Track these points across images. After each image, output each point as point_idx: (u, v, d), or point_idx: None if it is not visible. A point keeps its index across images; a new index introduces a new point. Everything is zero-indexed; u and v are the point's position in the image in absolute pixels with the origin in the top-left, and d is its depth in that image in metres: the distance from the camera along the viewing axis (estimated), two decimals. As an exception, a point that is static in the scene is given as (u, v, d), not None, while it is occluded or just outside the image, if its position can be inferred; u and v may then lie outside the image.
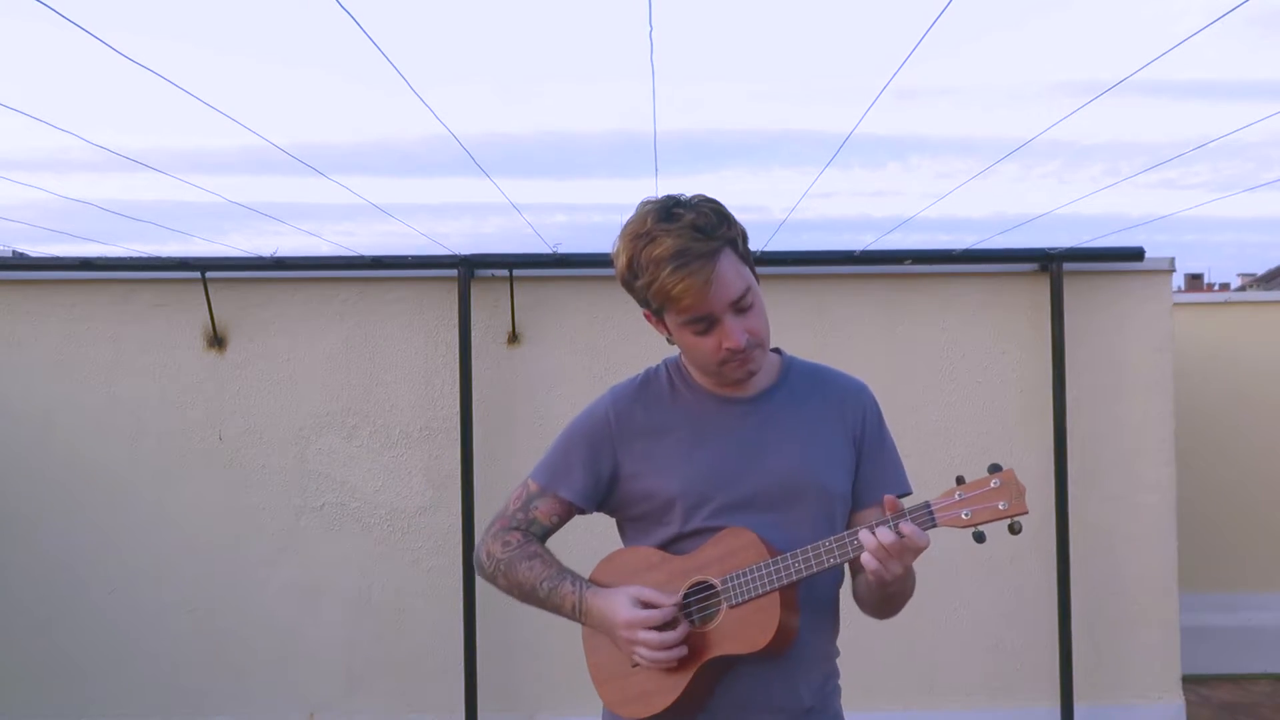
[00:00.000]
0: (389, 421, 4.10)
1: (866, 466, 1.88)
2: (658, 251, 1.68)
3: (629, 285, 1.77)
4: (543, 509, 1.90)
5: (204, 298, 4.05)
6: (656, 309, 1.77)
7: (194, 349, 4.09)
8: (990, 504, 1.65)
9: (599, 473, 1.87)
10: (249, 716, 4.06)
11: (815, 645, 1.83)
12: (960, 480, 1.68)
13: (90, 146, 3.04)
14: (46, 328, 4.09)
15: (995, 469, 1.66)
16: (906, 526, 1.65)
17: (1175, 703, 4.09)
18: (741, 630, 1.72)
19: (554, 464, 1.91)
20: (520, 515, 1.92)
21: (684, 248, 1.67)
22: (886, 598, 1.80)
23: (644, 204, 1.76)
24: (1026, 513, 1.64)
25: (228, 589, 4.07)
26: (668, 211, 1.71)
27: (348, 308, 4.12)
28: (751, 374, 1.81)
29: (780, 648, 1.73)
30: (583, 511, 1.91)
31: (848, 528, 1.87)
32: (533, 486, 1.92)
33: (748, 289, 1.74)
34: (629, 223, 1.75)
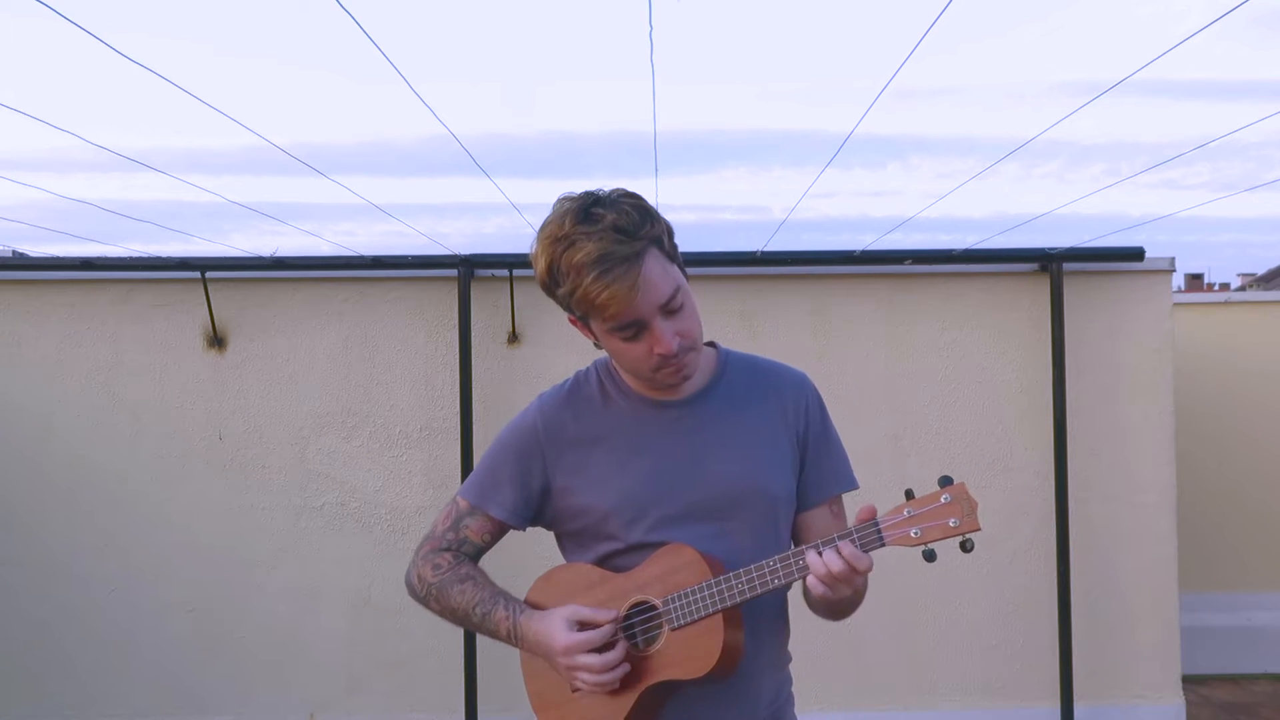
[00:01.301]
0: (389, 421, 4.10)
1: (812, 463, 1.79)
2: (578, 257, 1.57)
3: (550, 292, 1.66)
4: (473, 528, 1.82)
5: (204, 298, 4.05)
6: (581, 316, 1.67)
7: (194, 349, 4.09)
8: (940, 521, 1.55)
9: (529, 488, 1.79)
10: (249, 716, 4.07)
11: (764, 658, 1.76)
12: (909, 495, 1.59)
13: (90, 146, 3.04)
14: (46, 328, 4.09)
15: (946, 482, 1.57)
16: (846, 549, 1.56)
17: (1175, 703, 4.09)
18: (685, 654, 1.65)
19: (483, 480, 1.82)
20: (450, 535, 1.83)
21: (606, 252, 1.56)
22: (836, 608, 1.72)
23: (561, 202, 1.65)
24: (978, 529, 1.55)
25: (228, 589, 4.07)
26: (586, 212, 1.60)
27: (348, 308, 4.12)
28: (686, 378, 1.71)
29: (726, 671, 1.65)
30: (517, 528, 1.83)
31: (793, 529, 1.81)
32: (462, 504, 1.83)
33: (676, 289, 1.64)
34: (546, 224, 1.64)
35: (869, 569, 1.58)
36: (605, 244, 1.57)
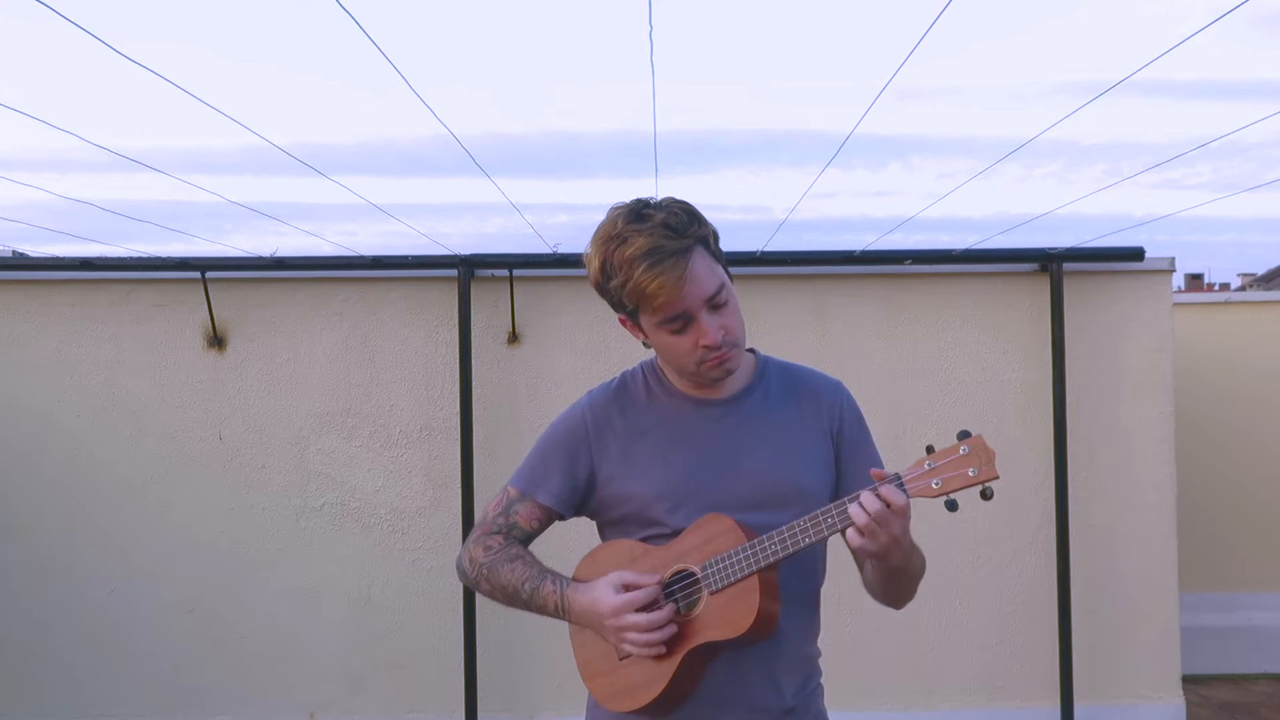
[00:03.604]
0: (389, 421, 4.10)
1: (849, 466, 1.87)
2: (630, 251, 1.69)
3: (603, 289, 1.77)
4: (523, 514, 1.92)
5: (204, 298, 4.05)
6: (631, 310, 1.77)
7: (194, 349, 4.09)
8: (960, 471, 1.62)
9: (576, 478, 1.89)
10: (249, 716, 4.07)
11: (796, 643, 1.83)
12: (930, 449, 1.66)
13: (91, 147, 3.04)
14: (46, 328, 4.09)
15: (964, 435, 1.64)
16: (885, 489, 1.63)
17: (1175, 703, 4.09)
18: (724, 615, 1.72)
19: (532, 469, 1.93)
20: (500, 520, 1.93)
21: (656, 246, 1.68)
22: (892, 576, 1.77)
23: (614, 208, 1.77)
24: (997, 478, 1.61)
25: (228, 589, 4.07)
26: (638, 213, 1.72)
27: (348, 308, 4.12)
28: (729, 373, 1.81)
29: (762, 632, 1.72)
30: (562, 517, 1.92)
31: None
32: (512, 492, 1.93)
33: (721, 285, 1.74)
34: (600, 227, 1.76)
35: (904, 507, 1.62)
36: (656, 239, 1.68)
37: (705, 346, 1.74)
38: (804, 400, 1.89)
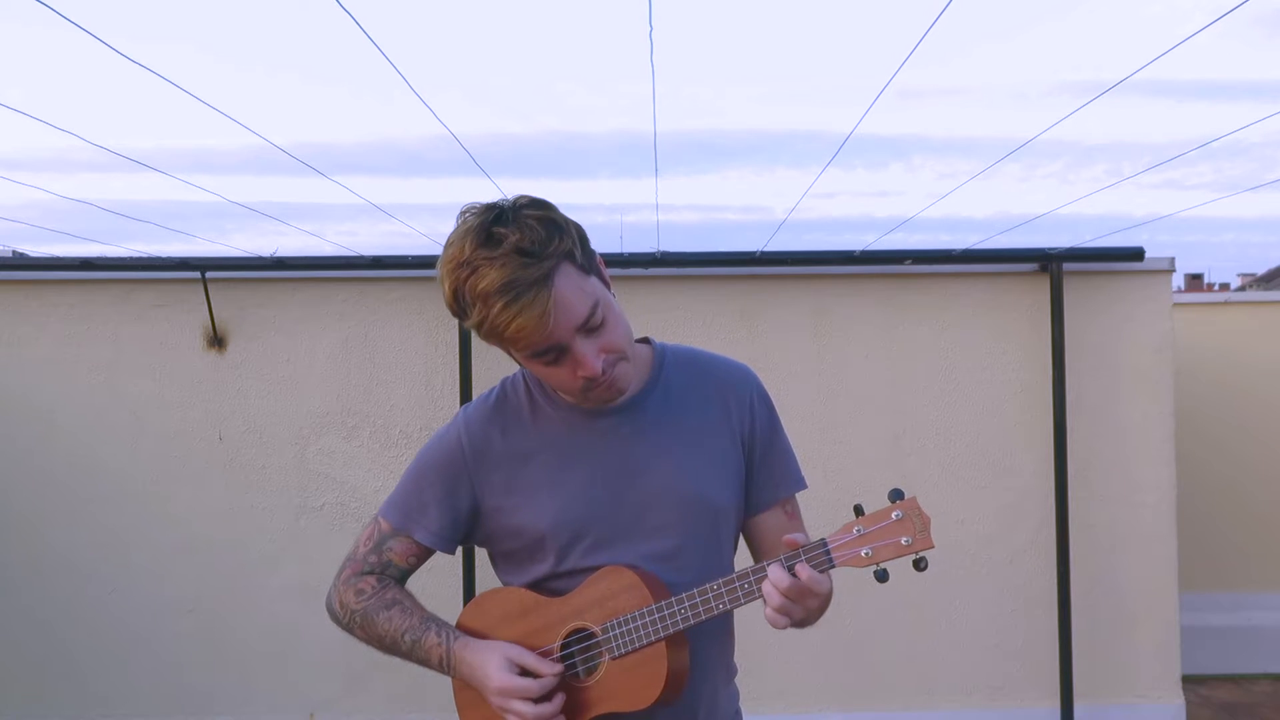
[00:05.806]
0: (389, 421, 4.10)
1: (761, 463, 1.70)
2: (482, 285, 1.45)
3: (459, 318, 1.54)
4: (397, 551, 1.71)
5: (204, 298, 4.05)
6: (496, 344, 1.56)
7: (194, 349, 4.09)
8: (892, 539, 1.47)
9: (457, 510, 1.68)
10: (249, 716, 4.07)
11: (710, 676, 1.68)
12: (859, 511, 1.49)
13: (92, 147, 3.05)
14: (46, 328, 4.09)
15: (897, 496, 1.48)
16: (804, 571, 1.46)
17: (1175, 703, 4.09)
18: (626, 685, 1.57)
19: (407, 501, 1.71)
20: (373, 559, 1.72)
21: (511, 279, 1.44)
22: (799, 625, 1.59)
23: (463, 216, 1.52)
24: (932, 547, 1.46)
25: (228, 589, 4.07)
26: (488, 233, 1.46)
27: (348, 308, 4.12)
28: (621, 392, 1.60)
29: (671, 698, 1.57)
30: (445, 552, 1.72)
31: (747, 533, 1.73)
32: (384, 525, 1.72)
33: (594, 305, 1.51)
34: (448, 245, 1.50)
35: (828, 592, 1.48)
36: (509, 269, 1.44)
37: (585, 377, 1.53)
38: (710, 396, 1.68)
